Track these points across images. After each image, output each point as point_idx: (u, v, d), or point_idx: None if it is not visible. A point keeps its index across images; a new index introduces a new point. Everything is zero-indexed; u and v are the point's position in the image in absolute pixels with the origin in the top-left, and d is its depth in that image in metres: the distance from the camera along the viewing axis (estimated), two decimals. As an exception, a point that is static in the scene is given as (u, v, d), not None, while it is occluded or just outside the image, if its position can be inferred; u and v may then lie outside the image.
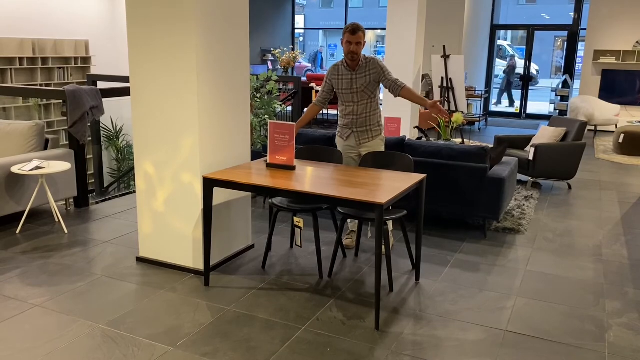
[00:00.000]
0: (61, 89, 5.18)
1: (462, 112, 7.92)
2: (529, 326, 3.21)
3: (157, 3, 3.58)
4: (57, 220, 4.89)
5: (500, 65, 19.34)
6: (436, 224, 4.98)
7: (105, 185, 8.24)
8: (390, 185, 3.35)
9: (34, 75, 9.45)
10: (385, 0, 7.94)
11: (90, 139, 7.48)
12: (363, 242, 4.46)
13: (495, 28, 13.86)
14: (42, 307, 3.30)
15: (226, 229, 4.00)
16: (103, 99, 5.37)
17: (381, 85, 4.18)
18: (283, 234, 4.64)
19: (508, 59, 18.48)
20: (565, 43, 13.12)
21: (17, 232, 4.59)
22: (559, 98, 12.17)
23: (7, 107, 9.01)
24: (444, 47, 8.37)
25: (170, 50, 3.61)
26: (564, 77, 12.23)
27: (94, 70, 10.30)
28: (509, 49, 21.63)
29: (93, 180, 7.76)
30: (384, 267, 3.83)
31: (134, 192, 5.73)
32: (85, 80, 9.16)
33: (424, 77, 11.82)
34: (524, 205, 5.61)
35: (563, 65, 13.21)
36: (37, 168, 4.50)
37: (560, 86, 12.29)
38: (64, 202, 5.31)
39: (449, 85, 8.23)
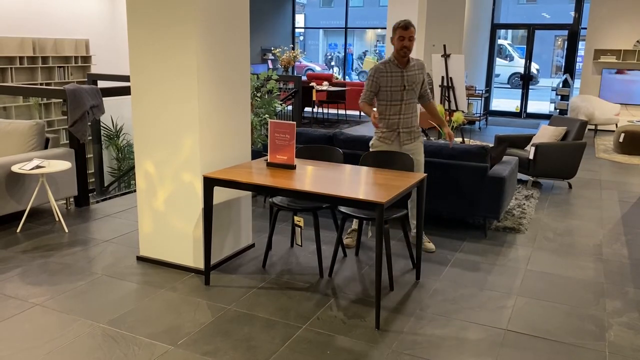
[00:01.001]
0: (61, 88, 5.18)
1: (463, 112, 7.92)
2: (529, 325, 3.21)
3: (157, 5, 3.58)
4: (57, 219, 4.89)
5: (500, 64, 19.33)
6: (437, 223, 4.98)
7: (106, 185, 8.24)
8: (391, 184, 3.35)
9: (34, 75, 9.45)
10: (386, 0, 7.93)
11: (90, 138, 7.48)
12: (363, 242, 4.46)
13: (495, 27, 13.85)
14: (42, 306, 3.30)
15: (226, 228, 4.00)
16: (103, 98, 5.38)
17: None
18: (283, 233, 4.64)
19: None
20: (566, 42, 13.12)
21: (18, 231, 4.59)
22: (559, 97, 12.16)
23: (7, 106, 9.01)
24: (444, 46, 8.37)
25: (171, 50, 3.61)
26: (565, 76, 12.23)
27: (94, 70, 10.31)
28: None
29: (93, 180, 7.76)
30: (384, 266, 3.83)
31: (134, 191, 5.73)
32: (86, 80, 9.16)
33: (424, 76, 11.79)
34: (524, 204, 5.60)
35: (563, 64, 13.20)
36: (38, 167, 4.50)
37: (560, 85, 12.28)
38: (65, 201, 5.32)
39: (449, 85, 8.22)
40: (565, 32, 13.12)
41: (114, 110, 9.45)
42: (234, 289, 3.58)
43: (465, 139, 7.48)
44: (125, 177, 8.91)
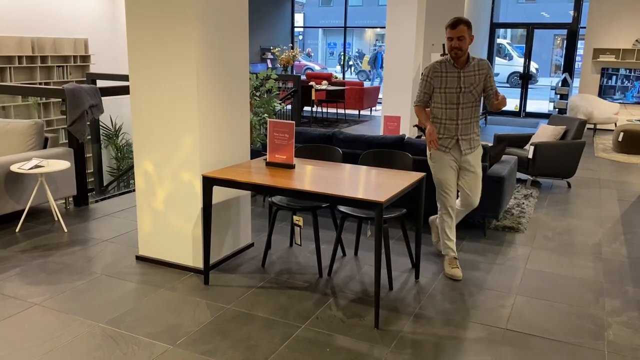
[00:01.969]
0: (60, 87, 5.18)
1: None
2: (528, 324, 3.21)
3: (156, 5, 3.57)
4: (56, 218, 4.88)
5: (499, 64, 19.35)
6: (436, 222, 4.98)
7: (105, 184, 8.23)
8: (390, 183, 3.35)
9: (33, 74, 9.44)
10: (385, -1, 7.93)
11: (89, 137, 7.48)
12: (362, 241, 4.46)
13: (494, 26, 13.84)
14: (41, 306, 3.30)
15: (226, 227, 4.00)
16: (102, 98, 5.37)
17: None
18: (283, 233, 4.64)
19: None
20: (565, 41, 13.12)
21: (17, 230, 4.59)
22: (558, 96, 12.17)
23: (6, 105, 9.01)
24: (444, 45, 8.36)
25: (170, 49, 3.61)
26: (564, 75, 12.23)
27: (93, 69, 10.30)
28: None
29: (92, 179, 7.75)
30: (383, 266, 3.83)
31: (134, 190, 5.72)
32: (85, 79, 9.16)
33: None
34: (523, 203, 5.61)
35: (562, 63, 13.21)
36: (37, 167, 4.50)
37: (559, 84, 12.29)
38: (64, 201, 5.31)
39: (449, 84, 8.21)
40: (565, 31, 13.12)
41: (113, 110, 9.45)
42: (233, 289, 3.58)
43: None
44: (125, 177, 8.90)
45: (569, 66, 12.76)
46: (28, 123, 5.09)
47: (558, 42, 23.05)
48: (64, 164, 4.65)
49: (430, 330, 3.12)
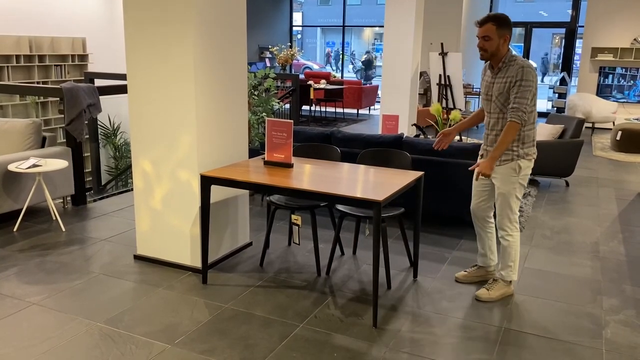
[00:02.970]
0: (58, 86, 5.17)
1: (460, 110, 7.93)
2: (526, 323, 3.21)
3: (154, 4, 3.57)
4: (54, 218, 4.88)
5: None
6: (434, 221, 4.98)
7: (103, 183, 8.22)
8: (388, 182, 3.35)
9: (31, 73, 9.42)
10: (383, -2, 7.93)
11: (87, 136, 7.47)
12: (360, 240, 4.46)
13: (493, 25, 13.83)
14: (39, 305, 3.30)
15: (224, 226, 4.00)
16: (100, 97, 5.36)
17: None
18: (281, 232, 4.64)
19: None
20: (563, 40, 13.13)
21: (15, 230, 4.58)
22: (556, 95, 12.18)
23: (4, 104, 8.99)
24: (442, 44, 8.37)
25: (168, 48, 3.60)
26: (562, 74, 12.24)
27: (91, 68, 10.29)
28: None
29: (90, 178, 7.75)
30: (381, 265, 3.83)
31: (132, 189, 5.72)
32: (83, 78, 9.15)
33: (421, 74, 11.82)
34: (521, 202, 5.61)
35: (561, 62, 13.21)
36: (34, 166, 4.49)
37: (557, 83, 12.30)
38: (62, 200, 5.31)
39: (447, 83, 8.23)
40: (563, 30, 13.14)
41: (111, 109, 9.42)
42: (232, 288, 3.58)
43: (462, 137, 7.48)
44: (123, 176, 8.89)
45: (567, 65, 12.78)
46: (26, 122, 5.08)
47: (556, 41, 23.07)
48: (61, 163, 4.64)
49: (428, 329, 3.12)
